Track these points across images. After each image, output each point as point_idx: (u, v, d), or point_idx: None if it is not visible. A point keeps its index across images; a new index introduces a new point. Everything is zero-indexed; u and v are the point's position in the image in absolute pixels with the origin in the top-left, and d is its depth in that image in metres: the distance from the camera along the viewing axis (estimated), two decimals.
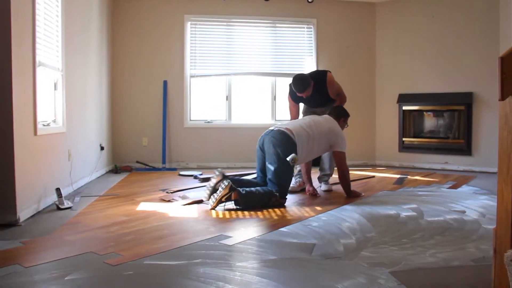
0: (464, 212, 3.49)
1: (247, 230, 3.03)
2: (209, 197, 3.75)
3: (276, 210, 3.64)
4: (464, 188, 4.63)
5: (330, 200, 4.09)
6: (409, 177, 5.52)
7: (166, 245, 2.66)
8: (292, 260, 2.43)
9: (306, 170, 4.43)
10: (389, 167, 6.48)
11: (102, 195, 4.30)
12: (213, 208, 3.66)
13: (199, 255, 2.48)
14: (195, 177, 5.38)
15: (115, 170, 5.95)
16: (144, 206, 3.78)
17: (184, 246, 2.65)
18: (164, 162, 6.34)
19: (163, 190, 4.53)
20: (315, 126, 4.05)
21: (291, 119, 4.50)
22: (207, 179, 3.83)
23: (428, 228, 3.04)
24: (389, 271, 2.20)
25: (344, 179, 4.17)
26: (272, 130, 4.03)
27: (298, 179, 4.56)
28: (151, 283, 2.12)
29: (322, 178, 4.63)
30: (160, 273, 2.24)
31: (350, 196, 4.15)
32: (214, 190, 3.75)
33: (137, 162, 6.34)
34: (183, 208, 3.72)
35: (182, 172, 5.84)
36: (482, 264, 2.32)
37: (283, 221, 3.26)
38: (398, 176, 5.58)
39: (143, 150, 6.44)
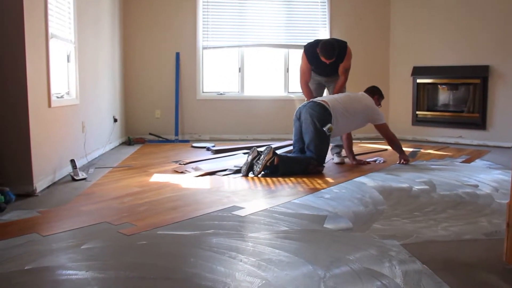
0: (477, 186, 3.47)
1: (259, 202, 3.06)
2: (247, 172, 3.89)
3: (288, 182, 3.66)
4: (478, 163, 4.60)
5: (343, 172, 4.10)
6: (422, 150, 5.49)
7: (179, 216, 2.70)
8: (304, 231, 2.45)
9: (348, 144, 4.52)
10: (402, 141, 6.43)
11: (115, 166, 4.35)
12: (258, 174, 3.83)
13: (212, 225, 2.52)
14: (208, 149, 5.41)
15: (128, 142, 6.00)
16: (157, 178, 3.82)
17: (197, 217, 2.68)
18: (176, 134, 6.37)
19: (176, 161, 4.56)
20: (350, 101, 4.24)
21: (301, 80, 4.49)
22: (247, 152, 4.03)
23: (441, 201, 3.04)
24: (400, 244, 2.21)
25: (394, 144, 4.50)
26: (309, 102, 4.19)
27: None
28: (164, 252, 2.16)
29: (334, 150, 4.62)
30: (173, 243, 2.28)
31: (404, 157, 4.50)
32: (250, 165, 3.90)
33: (150, 134, 6.37)
34: (196, 179, 3.76)
35: (194, 144, 5.87)
36: (494, 238, 2.32)
37: (295, 193, 3.28)
38: (411, 149, 5.55)
39: (156, 122, 6.47)
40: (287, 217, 2.69)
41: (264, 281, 1.80)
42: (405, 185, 3.50)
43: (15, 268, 1.94)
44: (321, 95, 4.66)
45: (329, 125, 3.96)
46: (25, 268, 1.94)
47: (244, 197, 3.19)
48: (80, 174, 3.75)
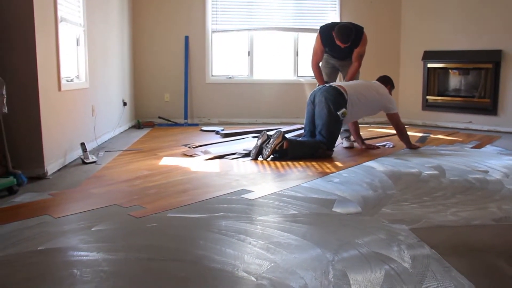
0: (487, 172, 3.46)
1: (268, 185, 3.07)
2: (256, 156, 3.91)
3: (298, 165, 3.66)
4: (488, 148, 4.56)
5: (352, 157, 4.09)
6: (431, 135, 5.46)
7: (189, 199, 2.72)
8: (313, 215, 2.46)
9: (355, 129, 4.54)
10: (412, 125, 6.40)
11: (125, 150, 4.38)
12: (267, 158, 3.85)
13: (221, 208, 2.53)
14: (217, 132, 5.42)
15: (137, 125, 6.02)
16: (166, 161, 3.84)
17: (206, 200, 2.70)
18: (186, 117, 6.38)
19: (185, 145, 4.58)
20: (366, 89, 4.26)
21: (313, 60, 4.48)
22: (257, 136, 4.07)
23: (450, 186, 3.03)
24: (409, 228, 2.22)
25: (403, 136, 4.48)
26: (325, 86, 4.20)
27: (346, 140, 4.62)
28: (174, 235, 2.18)
29: (343, 134, 4.61)
30: (182, 226, 2.30)
31: (412, 148, 4.46)
32: (260, 149, 3.91)
33: (159, 117, 6.39)
34: (205, 163, 3.77)
35: (204, 128, 5.89)
36: (503, 224, 2.32)
37: (305, 177, 3.29)
38: (420, 134, 5.52)
39: (165, 106, 6.48)
40: (296, 200, 2.70)
41: (272, 264, 1.82)
42: (414, 170, 3.49)
43: (29, 249, 1.97)
44: (334, 79, 4.66)
45: (343, 109, 3.97)
46: (38, 248, 1.97)
47: (253, 180, 3.20)
48: (90, 157, 3.78)
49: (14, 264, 1.83)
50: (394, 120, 4.41)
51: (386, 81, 4.51)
